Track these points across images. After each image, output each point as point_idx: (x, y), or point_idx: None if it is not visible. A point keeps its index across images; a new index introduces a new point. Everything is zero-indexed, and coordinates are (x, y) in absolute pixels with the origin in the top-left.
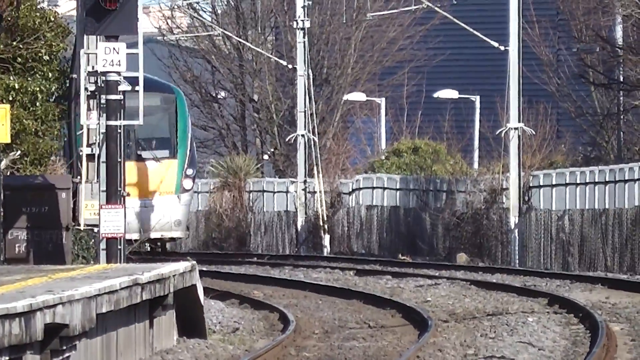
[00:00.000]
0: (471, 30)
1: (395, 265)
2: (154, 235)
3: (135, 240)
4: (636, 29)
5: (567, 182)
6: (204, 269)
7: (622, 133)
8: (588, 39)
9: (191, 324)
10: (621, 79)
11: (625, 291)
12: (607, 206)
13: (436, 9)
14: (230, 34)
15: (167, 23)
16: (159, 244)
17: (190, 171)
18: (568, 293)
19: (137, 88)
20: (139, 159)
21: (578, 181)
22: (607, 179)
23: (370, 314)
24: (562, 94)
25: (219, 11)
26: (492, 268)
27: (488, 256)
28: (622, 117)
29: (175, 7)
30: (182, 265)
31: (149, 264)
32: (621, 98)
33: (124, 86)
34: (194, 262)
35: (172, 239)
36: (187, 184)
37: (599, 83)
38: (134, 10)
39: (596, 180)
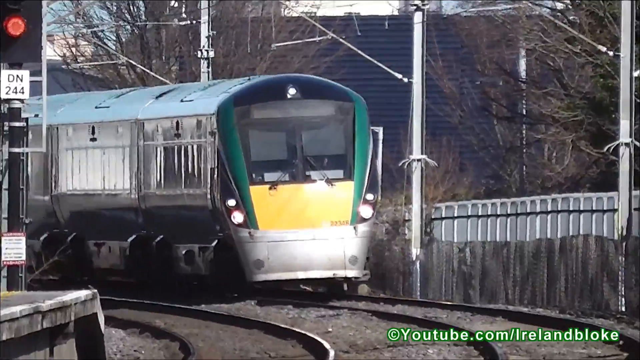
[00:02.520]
0: (375, 62)
1: (297, 295)
2: (323, 273)
3: (300, 280)
4: (539, 63)
5: (469, 214)
6: (105, 297)
7: (524, 166)
8: (491, 72)
9: (92, 353)
10: (524, 112)
11: (525, 324)
12: (508, 239)
13: (341, 40)
14: (134, 63)
15: (72, 51)
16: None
17: (370, 196)
18: (469, 325)
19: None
20: (307, 180)
21: (480, 213)
22: (509, 212)
23: (272, 344)
24: (465, 126)
25: (124, 40)
26: (393, 299)
27: (390, 287)
28: (524, 150)
29: (80, 35)
30: (83, 294)
31: (50, 292)
32: (524, 131)
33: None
34: (95, 290)
35: (347, 279)
36: (366, 211)
37: (502, 116)
38: (39, 38)
39: (498, 212)
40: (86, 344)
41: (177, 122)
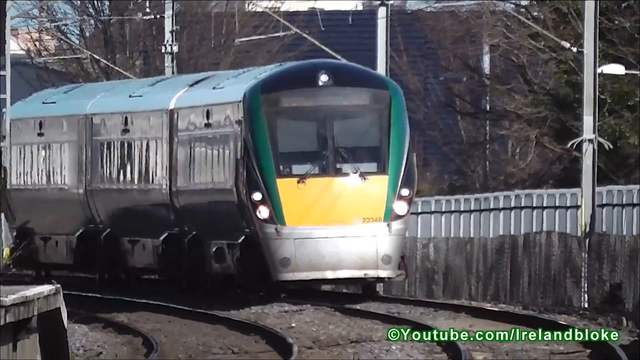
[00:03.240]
0: (339, 57)
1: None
2: (353, 273)
3: (328, 280)
4: (503, 59)
5: (433, 210)
6: (69, 292)
7: (488, 162)
8: (455, 68)
9: (55, 348)
10: (488, 108)
11: (488, 320)
12: (472, 235)
13: (305, 35)
14: (98, 57)
15: (36, 45)
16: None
17: (405, 191)
18: (432, 321)
19: None
20: (338, 173)
21: (444, 209)
22: (472, 208)
23: (235, 340)
24: (430, 122)
25: (87, 34)
26: (357, 295)
27: (353, 283)
28: (488, 146)
29: (44, 29)
30: (46, 288)
31: (13, 286)
32: (487, 127)
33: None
34: (59, 285)
35: (380, 280)
36: (401, 208)
37: (465, 112)
38: (2, 33)
39: (462, 209)
40: (49, 339)
41: (207, 111)
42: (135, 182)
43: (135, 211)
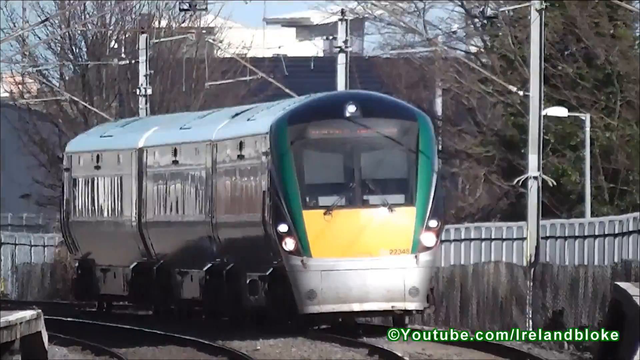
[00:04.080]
0: (303, 99)
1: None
2: (380, 306)
3: (355, 312)
4: (455, 102)
5: None
6: (49, 317)
7: None
8: None
9: None
10: (440, 148)
11: (441, 343)
12: None
13: (270, 79)
14: (77, 99)
15: (19, 88)
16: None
17: (433, 223)
18: (387, 344)
19: None
20: (365, 204)
21: None
22: None
23: None
24: None
25: (67, 78)
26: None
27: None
28: None
29: (26, 73)
30: (28, 313)
31: None
32: (440, 166)
33: None
34: (40, 310)
35: (407, 312)
36: (429, 239)
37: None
38: None
39: None
40: None
41: (240, 143)
42: (181, 214)
43: (183, 243)
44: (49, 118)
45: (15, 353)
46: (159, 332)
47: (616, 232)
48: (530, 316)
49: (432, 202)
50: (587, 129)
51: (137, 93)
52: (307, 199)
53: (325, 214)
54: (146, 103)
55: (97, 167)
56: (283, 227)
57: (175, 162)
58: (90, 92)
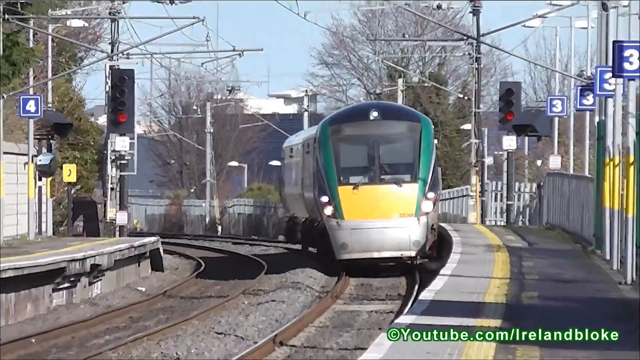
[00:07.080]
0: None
1: (253, 241)
2: (393, 254)
3: (375, 259)
4: None
5: None
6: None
7: None
8: None
9: (156, 265)
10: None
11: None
12: None
13: (270, 124)
14: (176, 134)
15: (148, 128)
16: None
17: (431, 194)
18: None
19: None
20: (382, 182)
21: None
22: None
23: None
24: None
25: (171, 123)
26: None
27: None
28: None
29: (151, 121)
30: (153, 238)
31: (137, 237)
32: None
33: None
34: (158, 237)
35: (411, 258)
36: (427, 206)
37: None
38: (132, 121)
39: None
40: (154, 261)
41: (305, 142)
42: (299, 188)
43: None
44: (162, 143)
45: (146, 257)
46: (215, 247)
47: None
48: None
49: (430, 179)
50: None
51: (206, 131)
52: (342, 178)
53: (354, 188)
54: (211, 136)
55: (291, 156)
56: (324, 198)
57: (290, 156)
58: (182, 130)
